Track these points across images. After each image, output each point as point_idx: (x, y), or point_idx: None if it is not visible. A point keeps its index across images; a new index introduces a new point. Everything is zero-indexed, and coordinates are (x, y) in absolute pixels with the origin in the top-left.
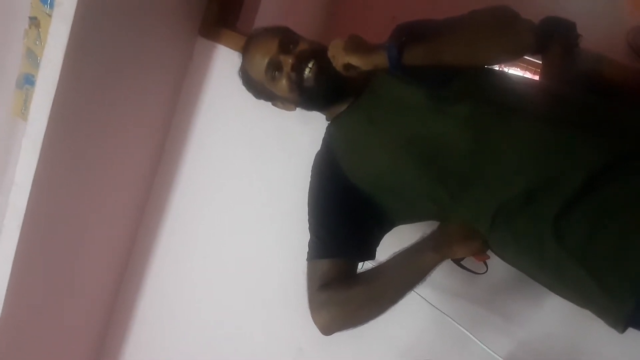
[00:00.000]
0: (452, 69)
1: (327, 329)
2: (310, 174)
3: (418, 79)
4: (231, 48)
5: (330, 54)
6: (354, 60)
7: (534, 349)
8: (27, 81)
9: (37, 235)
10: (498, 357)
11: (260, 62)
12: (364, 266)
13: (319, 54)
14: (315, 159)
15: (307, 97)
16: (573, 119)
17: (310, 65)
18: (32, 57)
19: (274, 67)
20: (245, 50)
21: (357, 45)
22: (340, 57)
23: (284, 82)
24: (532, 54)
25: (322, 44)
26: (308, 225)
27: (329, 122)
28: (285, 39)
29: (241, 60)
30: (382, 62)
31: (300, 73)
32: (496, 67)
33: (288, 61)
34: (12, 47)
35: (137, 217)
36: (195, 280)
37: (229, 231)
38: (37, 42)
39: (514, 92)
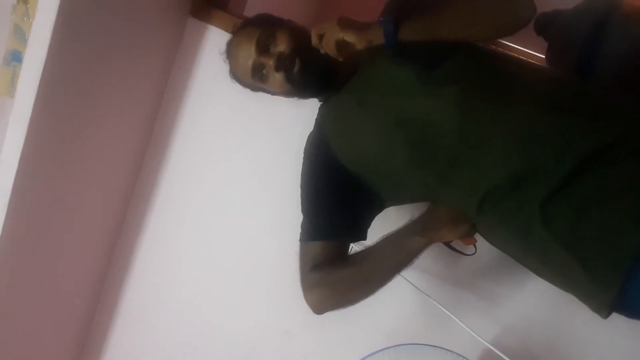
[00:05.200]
0: (448, 44)
1: (319, 309)
2: (302, 155)
3: (409, 60)
4: (222, 29)
5: (320, 32)
6: (349, 37)
7: (518, 333)
8: (15, 58)
9: (23, 216)
10: (483, 340)
11: (244, 66)
12: (353, 247)
13: (299, 47)
14: (307, 140)
15: (299, 89)
16: (564, 104)
17: (293, 62)
18: (20, 34)
19: (259, 68)
20: (228, 56)
21: (350, 21)
22: (333, 34)
23: (272, 80)
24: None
25: (303, 30)
26: (300, 206)
27: (321, 103)
28: (263, 36)
29: (228, 65)
30: (377, 37)
31: (286, 71)
32: (490, 48)
33: (270, 63)
34: None
35: (126, 198)
36: (184, 265)
37: (219, 214)
38: (25, 19)
39: (505, 75)
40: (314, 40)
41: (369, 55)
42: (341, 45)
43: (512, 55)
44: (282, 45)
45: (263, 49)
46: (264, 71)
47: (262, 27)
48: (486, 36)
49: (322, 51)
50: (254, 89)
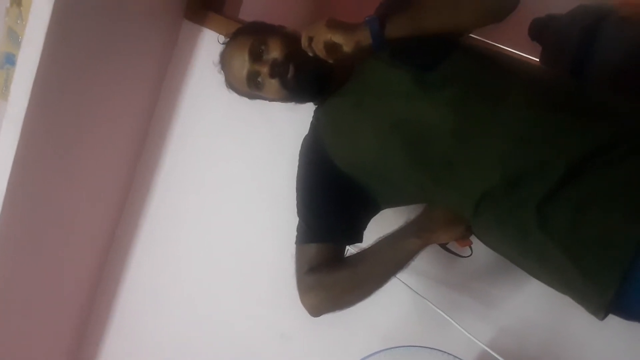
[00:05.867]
0: (438, 40)
1: (315, 311)
2: (298, 158)
3: (405, 61)
4: (217, 32)
5: (309, 34)
6: (337, 38)
7: (515, 335)
8: (8, 61)
9: (17, 218)
10: (479, 342)
11: (239, 76)
12: (349, 250)
13: (292, 52)
14: (302, 143)
15: (294, 94)
16: (561, 105)
17: (287, 68)
18: (13, 36)
19: (254, 76)
20: (222, 66)
21: (339, 22)
22: (322, 34)
23: (268, 87)
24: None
25: (295, 35)
26: (296, 209)
27: (316, 106)
28: (255, 44)
29: (223, 75)
30: (365, 38)
31: (281, 77)
32: (485, 49)
33: (264, 70)
34: None
35: (121, 200)
36: (180, 266)
37: (215, 216)
38: (19, 21)
39: (501, 76)
40: (304, 43)
41: (364, 58)
42: (330, 46)
43: (507, 56)
44: (275, 52)
45: (256, 57)
46: (259, 79)
47: (254, 35)
48: (471, 24)
49: (310, 53)
50: (251, 97)
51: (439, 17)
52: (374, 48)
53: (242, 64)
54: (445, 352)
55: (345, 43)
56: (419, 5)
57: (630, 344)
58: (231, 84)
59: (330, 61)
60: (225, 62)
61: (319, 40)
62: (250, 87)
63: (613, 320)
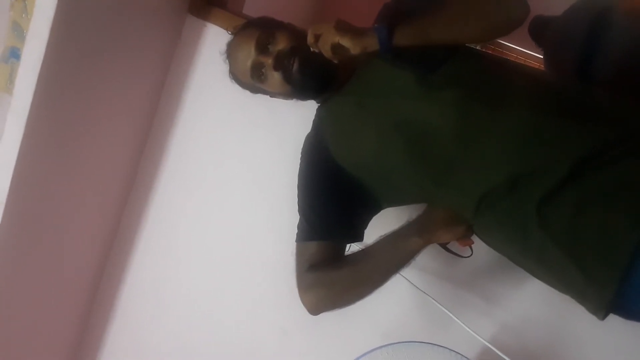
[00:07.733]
0: (443, 47)
1: (315, 310)
2: (299, 155)
3: (408, 63)
4: (221, 27)
5: (316, 32)
6: (345, 41)
7: (516, 332)
8: (13, 55)
9: (20, 213)
10: (480, 338)
11: (244, 66)
12: (350, 248)
13: (298, 47)
14: (305, 141)
15: (297, 89)
16: (562, 107)
17: (291, 61)
18: (18, 30)
19: (258, 68)
20: (228, 56)
21: (347, 26)
22: (330, 37)
23: (271, 80)
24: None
25: (302, 32)
26: (297, 207)
27: (319, 104)
28: (262, 36)
29: (228, 65)
30: (372, 44)
31: (284, 70)
32: (488, 51)
33: (269, 62)
34: None
35: (124, 196)
36: (180, 263)
37: (217, 213)
38: (24, 15)
39: (502, 78)
40: (310, 39)
41: (367, 58)
42: (336, 48)
43: (509, 59)
44: (281, 45)
45: (262, 48)
46: (263, 70)
47: (262, 28)
48: (479, 38)
49: (315, 50)
50: (254, 90)
51: (447, 31)
52: (381, 54)
53: (248, 55)
54: (446, 348)
55: (353, 47)
56: (429, 17)
57: (630, 342)
58: (235, 75)
59: (335, 61)
60: (231, 51)
61: (326, 41)
62: (254, 78)
63: (614, 318)
